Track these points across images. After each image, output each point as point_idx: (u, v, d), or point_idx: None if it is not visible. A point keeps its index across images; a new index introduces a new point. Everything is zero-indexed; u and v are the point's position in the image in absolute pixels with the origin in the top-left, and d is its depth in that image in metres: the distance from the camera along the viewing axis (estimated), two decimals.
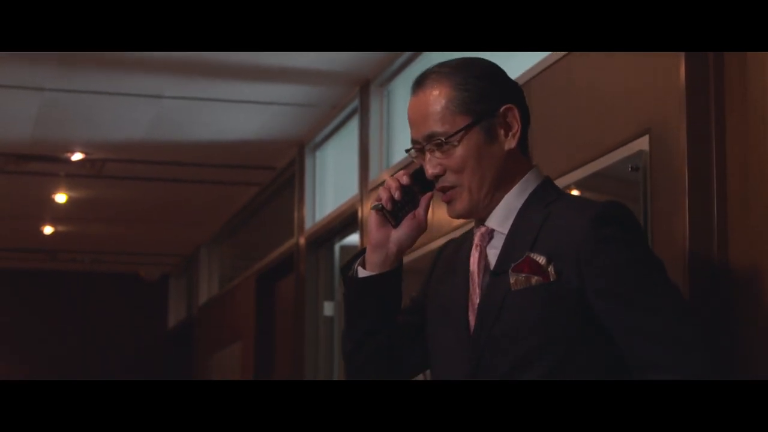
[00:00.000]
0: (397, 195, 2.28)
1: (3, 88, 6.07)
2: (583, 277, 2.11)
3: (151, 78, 5.92)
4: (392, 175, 2.30)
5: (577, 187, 3.22)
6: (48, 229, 9.88)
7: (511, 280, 2.15)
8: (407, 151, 2.31)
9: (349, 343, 2.37)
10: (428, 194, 2.30)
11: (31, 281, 12.36)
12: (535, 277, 2.13)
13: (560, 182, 3.28)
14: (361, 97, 5.99)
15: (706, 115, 2.72)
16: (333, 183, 6.90)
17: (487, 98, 2.23)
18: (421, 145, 2.26)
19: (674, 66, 2.78)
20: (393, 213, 2.29)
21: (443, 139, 2.21)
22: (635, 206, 2.88)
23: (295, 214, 7.24)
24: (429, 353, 2.33)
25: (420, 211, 2.30)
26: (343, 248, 6.70)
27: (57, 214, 9.32)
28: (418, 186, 2.29)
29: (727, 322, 2.61)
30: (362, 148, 5.92)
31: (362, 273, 2.32)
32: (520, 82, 3.70)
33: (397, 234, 2.30)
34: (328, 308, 6.79)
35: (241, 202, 8.94)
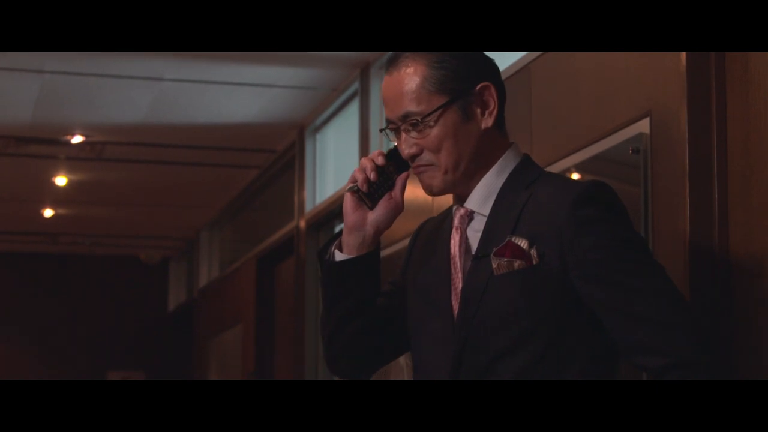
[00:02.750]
0: (372, 176, 2.24)
1: (3, 70, 6.06)
2: (566, 259, 2.07)
3: (151, 60, 5.91)
4: (367, 156, 2.27)
5: (578, 170, 3.21)
6: (48, 212, 9.88)
7: (494, 265, 2.11)
8: (381, 130, 2.27)
9: (328, 327, 2.32)
10: (404, 174, 2.26)
11: (32, 264, 12.36)
12: (518, 261, 2.10)
13: (561, 165, 3.28)
14: (361, 79, 5.98)
15: (707, 97, 2.70)
16: (333, 166, 6.91)
17: (462, 76, 2.18)
18: (396, 125, 2.22)
19: None
20: (369, 195, 2.25)
21: (419, 119, 2.17)
22: (635, 189, 2.88)
23: (296, 197, 7.24)
24: (411, 338, 2.29)
25: (396, 191, 2.26)
26: None
27: (57, 197, 9.32)
28: (393, 166, 2.25)
29: (726, 305, 2.61)
30: (362, 131, 5.91)
31: (339, 256, 2.28)
32: (521, 65, 3.73)
33: (374, 216, 2.26)
34: None
35: (242, 185, 8.93)
